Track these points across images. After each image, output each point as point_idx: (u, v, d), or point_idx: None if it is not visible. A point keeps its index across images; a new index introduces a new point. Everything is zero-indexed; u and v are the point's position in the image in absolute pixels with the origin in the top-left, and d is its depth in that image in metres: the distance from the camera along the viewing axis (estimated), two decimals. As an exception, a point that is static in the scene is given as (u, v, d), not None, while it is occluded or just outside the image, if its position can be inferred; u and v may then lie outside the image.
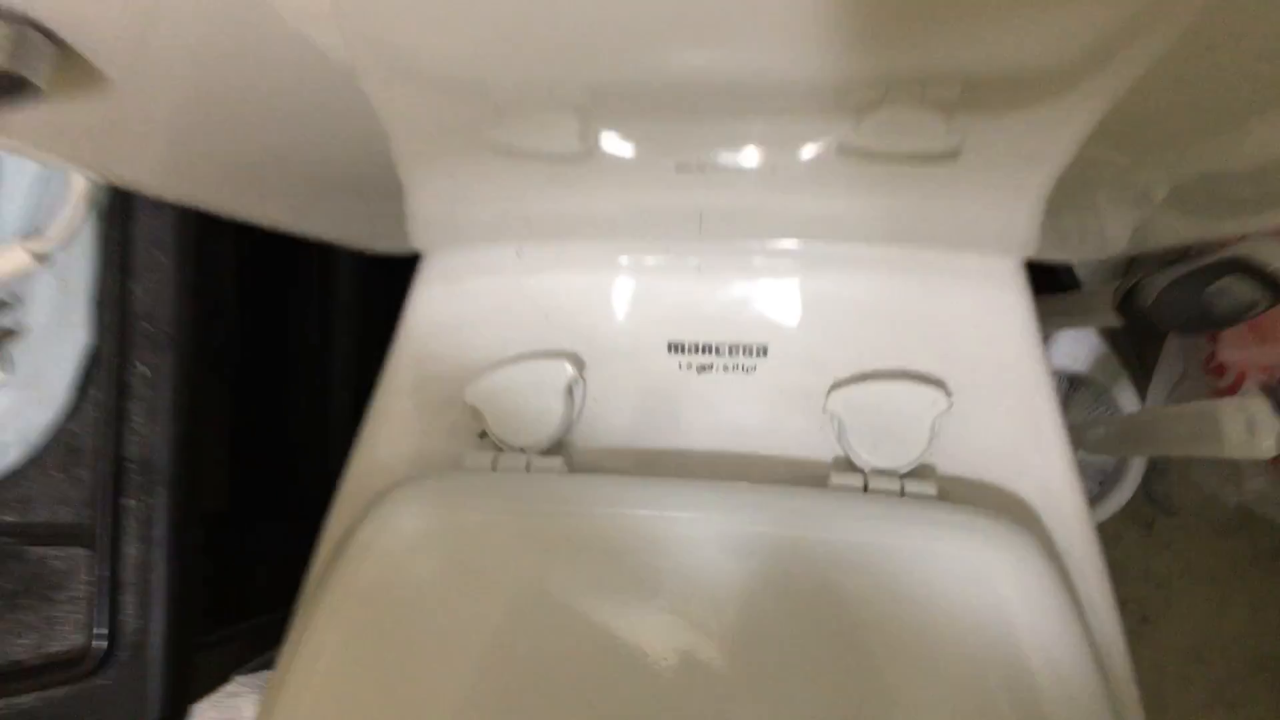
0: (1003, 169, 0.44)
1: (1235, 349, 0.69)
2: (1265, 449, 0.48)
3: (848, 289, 0.58)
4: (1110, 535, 0.98)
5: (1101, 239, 0.51)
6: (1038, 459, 0.55)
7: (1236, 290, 0.46)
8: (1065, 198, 0.47)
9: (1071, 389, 0.85)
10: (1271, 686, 0.97)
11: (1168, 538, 0.98)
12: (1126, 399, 0.83)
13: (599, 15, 0.30)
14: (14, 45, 0.28)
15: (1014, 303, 0.56)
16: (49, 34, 0.29)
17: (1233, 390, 0.70)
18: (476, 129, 0.40)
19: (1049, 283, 0.82)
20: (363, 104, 0.37)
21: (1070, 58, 0.31)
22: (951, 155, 0.42)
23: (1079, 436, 0.73)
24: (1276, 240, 0.44)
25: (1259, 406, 0.47)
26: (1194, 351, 0.75)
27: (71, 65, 0.30)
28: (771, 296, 0.59)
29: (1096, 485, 0.87)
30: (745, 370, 0.58)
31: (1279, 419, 0.46)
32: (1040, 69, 0.32)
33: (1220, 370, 0.71)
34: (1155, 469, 0.95)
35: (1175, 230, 0.47)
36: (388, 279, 0.73)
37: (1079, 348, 0.82)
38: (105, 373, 0.55)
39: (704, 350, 0.59)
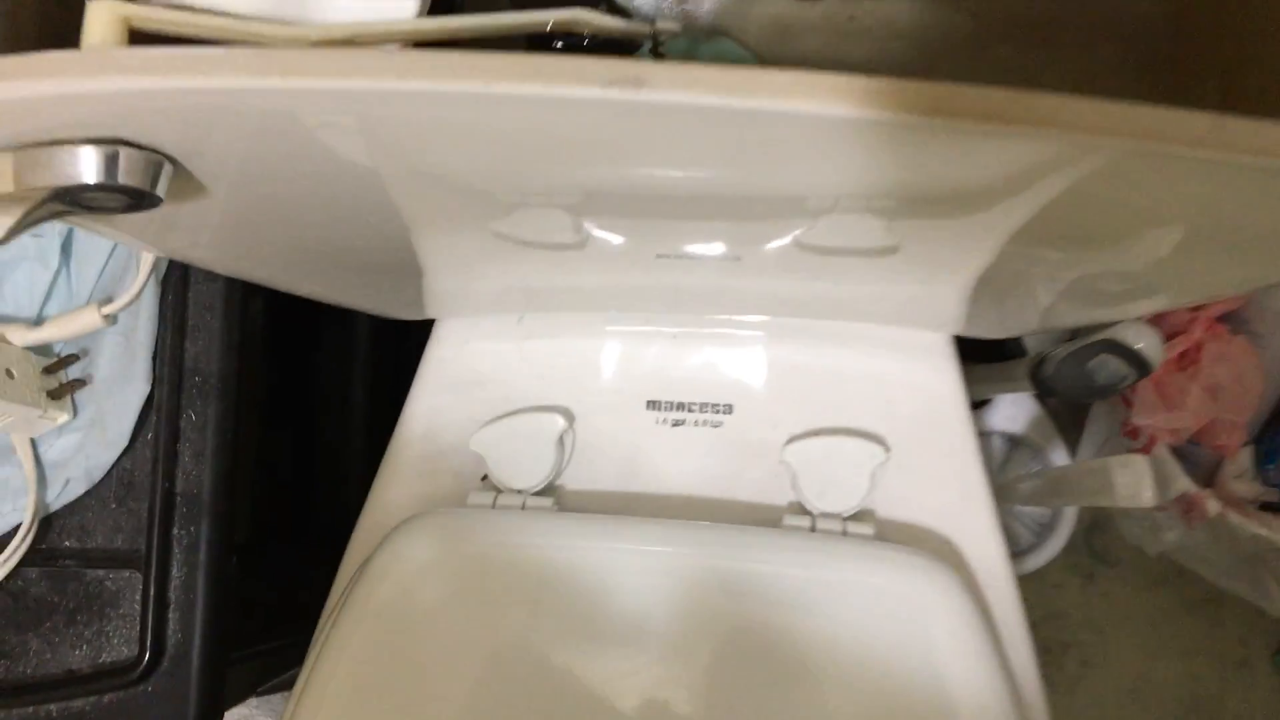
0: (935, 264, 0.53)
1: (1146, 415, 0.78)
2: (1146, 499, 0.56)
3: (803, 356, 0.68)
4: (1054, 584, 1.06)
5: (1015, 322, 0.61)
6: (964, 507, 0.64)
7: (1111, 366, 0.55)
8: (986, 287, 0.56)
9: (1011, 448, 0.94)
10: (1205, 728, 1.05)
11: (1106, 587, 1.07)
12: (1059, 458, 0.92)
13: (592, 155, 0.39)
14: (149, 167, 0.37)
15: (944, 371, 0.66)
16: (172, 158, 0.38)
17: (1144, 453, 0.80)
18: (485, 223, 0.49)
19: (1000, 350, 0.91)
20: (393, 207, 0.46)
21: (992, 189, 0.40)
22: (892, 250, 0.51)
23: (1013, 489, 0.82)
24: (1140, 325, 0.54)
25: (1140, 462, 0.56)
26: (1114, 416, 0.84)
27: (180, 178, 0.40)
28: (737, 362, 0.68)
29: (1034, 534, 0.96)
30: (713, 425, 0.67)
31: (1153, 473, 0.55)
32: (967, 193, 0.41)
33: (1135, 433, 0.80)
34: (1096, 524, 1.04)
35: (1069, 315, 0.56)
36: (400, 335, 0.82)
37: (1018, 410, 0.91)
38: (160, 418, 0.63)
39: (678, 408, 0.68)
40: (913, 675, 0.57)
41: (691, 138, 0.37)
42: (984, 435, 0.92)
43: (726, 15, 0.62)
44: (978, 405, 0.91)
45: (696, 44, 0.60)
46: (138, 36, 0.39)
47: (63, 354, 0.64)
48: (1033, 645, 0.62)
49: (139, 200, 0.38)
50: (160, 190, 0.38)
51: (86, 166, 0.36)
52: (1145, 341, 0.53)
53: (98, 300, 0.62)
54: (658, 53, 0.54)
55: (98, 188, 0.36)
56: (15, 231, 0.37)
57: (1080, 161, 0.34)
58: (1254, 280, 0.53)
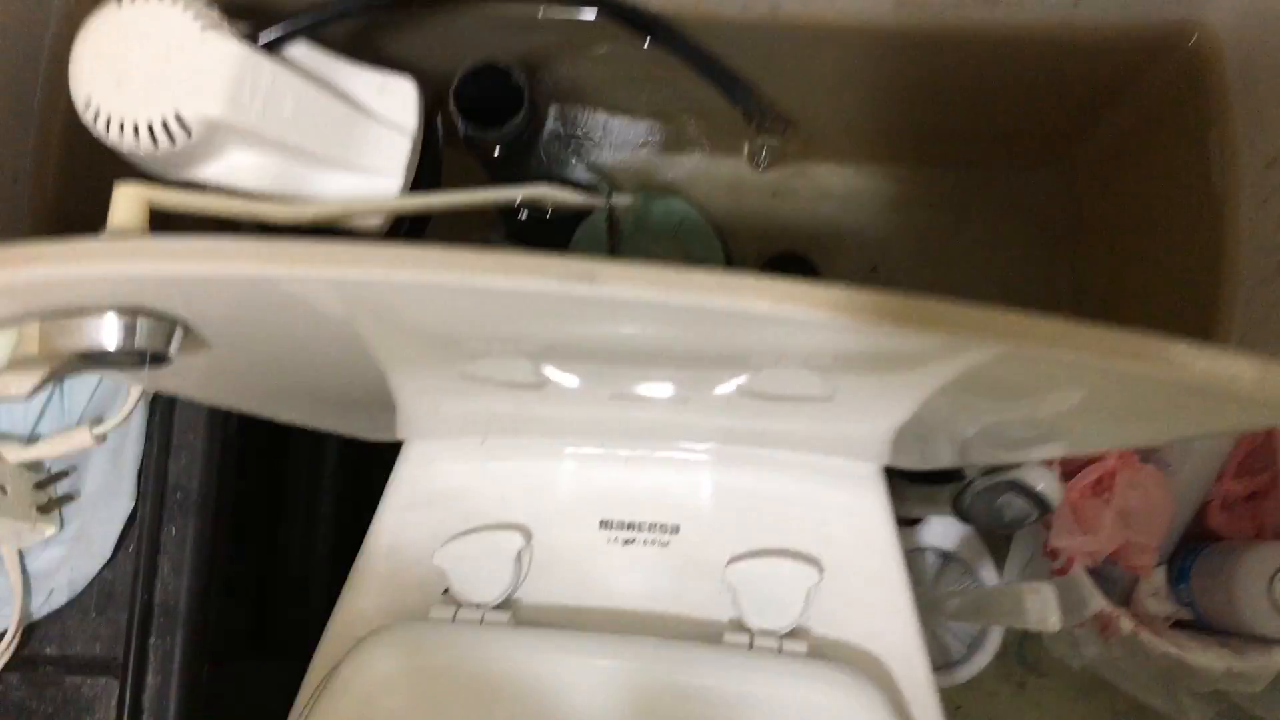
0: (864, 410, 0.59)
1: (1064, 538, 0.84)
2: (1052, 624, 0.62)
3: (745, 481, 0.73)
4: (988, 692, 1.11)
5: (936, 457, 0.67)
6: (891, 625, 0.69)
7: (1017, 504, 0.61)
8: (909, 429, 0.62)
9: (944, 563, 1.00)
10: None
11: (1038, 697, 1.11)
12: (988, 574, 0.98)
13: (553, 323, 0.45)
14: (164, 331, 0.43)
15: (874, 499, 0.71)
16: (185, 323, 0.43)
17: (1063, 572, 0.85)
18: (453, 367, 0.54)
19: (938, 473, 0.97)
20: (370, 356, 0.51)
21: (905, 364, 0.46)
22: (827, 398, 0.57)
23: (942, 605, 0.87)
24: (1041, 469, 0.60)
25: (1048, 590, 0.62)
26: (1037, 538, 0.90)
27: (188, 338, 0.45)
28: (684, 485, 0.73)
29: (965, 646, 1.01)
30: (661, 545, 0.72)
31: (1059, 600, 0.61)
32: (887, 363, 0.47)
33: (1054, 554, 0.86)
34: (1027, 634, 1.09)
35: (983, 455, 0.62)
36: (369, 450, 0.87)
37: (949, 530, 0.97)
38: (142, 532, 0.67)
39: (629, 527, 0.73)
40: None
41: (639, 315, 0.43)
42: (918, 551, 0.98)
43: (679, 173, 0.69)
44: (913, 522, 0.97)
45: (650, 200, 0.67)
46: (158, 214, 0.44)
47: (53, 470, 0.68)
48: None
49: (152, 360, 0.43)
50: (172, 352, 0.43)
51: (108, 334, 0.41)
52: (1045, 483, 0.59)
53: (89, 420, 0.67)
54: (612, 220, 0.61)
55: (117, 352, 0.41)
56: (38, 389, 0.42)
57: (966, 352, 0.41)
58: (1145, 440, 0.60)
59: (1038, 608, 0.63)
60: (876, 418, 0.60)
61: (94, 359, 0.42)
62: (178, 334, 0.43)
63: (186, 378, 0.52)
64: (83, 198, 0.53)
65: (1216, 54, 0.52)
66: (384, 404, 0.61)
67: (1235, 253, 0.50)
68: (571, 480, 0.74)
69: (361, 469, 0.89)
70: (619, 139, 0.67)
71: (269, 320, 0.45)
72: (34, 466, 0.68)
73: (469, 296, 0.41)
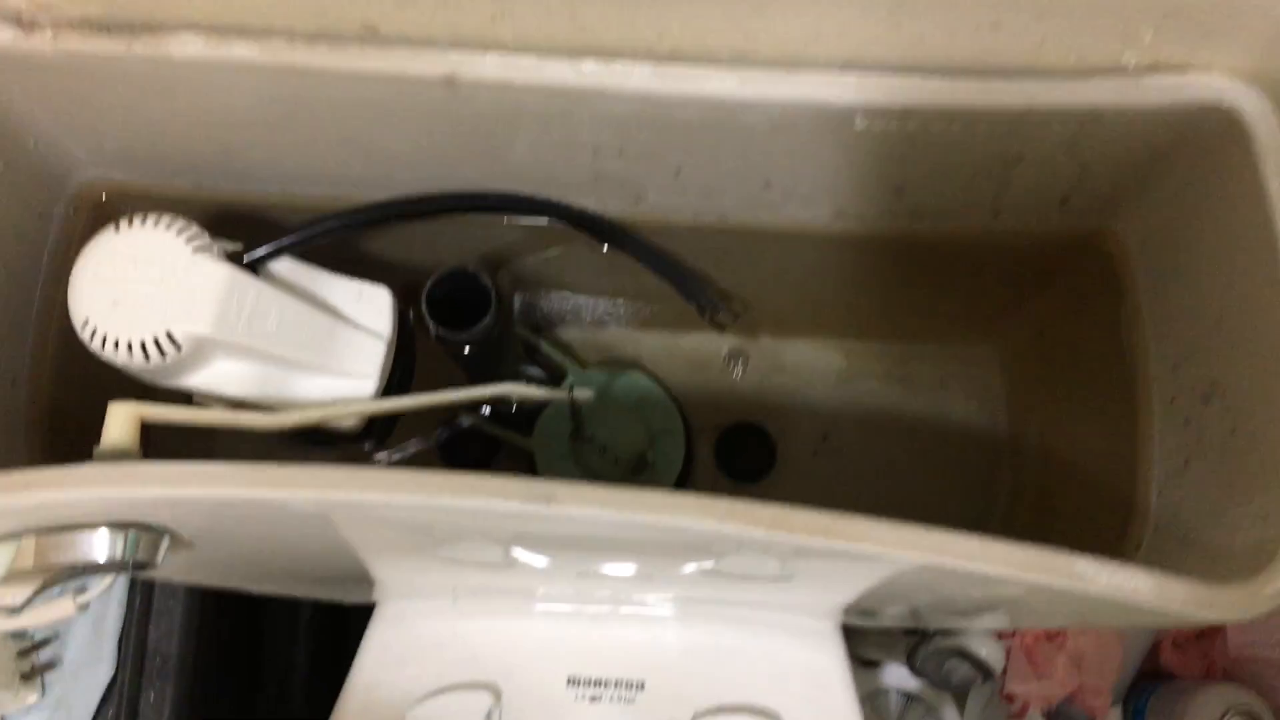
0: (822, 586, 0.62)
1: (1019, 683, 0.86)
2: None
3: (709, 638, 0.76)
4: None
5: (890, 620, 0.70)
6: (849, 776, 0.71)
7: (962, 669, 0.64)
8: (864, 598, 0.65)
9: (907, 704, 1.02)
10: None
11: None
12: (950, 716, 1.00)
13: (517, 526, 0.49)
14: (154, 542, 0.46)
15: (832, 654, 0.74)
16: (172, 533, 0.47)
17: (1020, 715, 0.88)
18: (424, 548, 0.58)
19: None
20: (347, 546, 0.54)
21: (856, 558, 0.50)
22: (787, 578, 0.60)
23: (904, 749, 0.89)
24: (985, 636, 0.64)
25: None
26: (993, 683, 0.92)
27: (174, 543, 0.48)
28: (650, 641, 0.76)
29: (929, 788, 1.03)
30: (626, 701, 0.75)
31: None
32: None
33: (1011, 699, 0.88)
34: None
35: (934, 620, 0.65)
36: (342, 609, 0.89)
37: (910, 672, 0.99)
38: (121, 699, 0.69)
39: (595, 684, 0.75)
40: None
41: (598, 526, 0.46)
42: (881, 692, 1.00)
43: (640, 348, 0.73)
44: (875, 662, 0.99)
45: (612, 375, 0.71)
46: (149, 428, 0.48)
47: (36, 638, 0.70)
48: None
49: (138, 567, 0.46)
50: (159, 559, 0.46)
51: (100, 548, 0.44)
52: (988, 650, 0.63)
53: (72, 589, 0.69)
54: (575, 411, 0.64)
55: (109, 564, 0.44)
56: (30, 600, 0.45)
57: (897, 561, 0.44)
58: (1080, 625, 0.63)
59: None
60: (833, 593, 0.64)
61: (86, 569, 0.45)
62: (165, 542, 0.46)
63: (167, 570, 0.55)
64: (78, 398, 0.56)
65: (1125, 259, 0.56)
66: (358, 578, 0.64)
67: (1149, 446, 0.54)
68: (540, 637, 0.76)
69: (336, 624, 0.91)
70: (582, 318, 0.71)
71: (251, 524, 0.48)
72: (18, 635, 0.70)
73: (439, 510, 0.45)
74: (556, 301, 0.70)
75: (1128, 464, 0.55)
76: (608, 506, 0.42)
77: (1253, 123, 0.45)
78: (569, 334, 0.73)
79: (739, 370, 0.73)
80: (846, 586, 0.58)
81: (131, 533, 0.45)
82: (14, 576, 0.45)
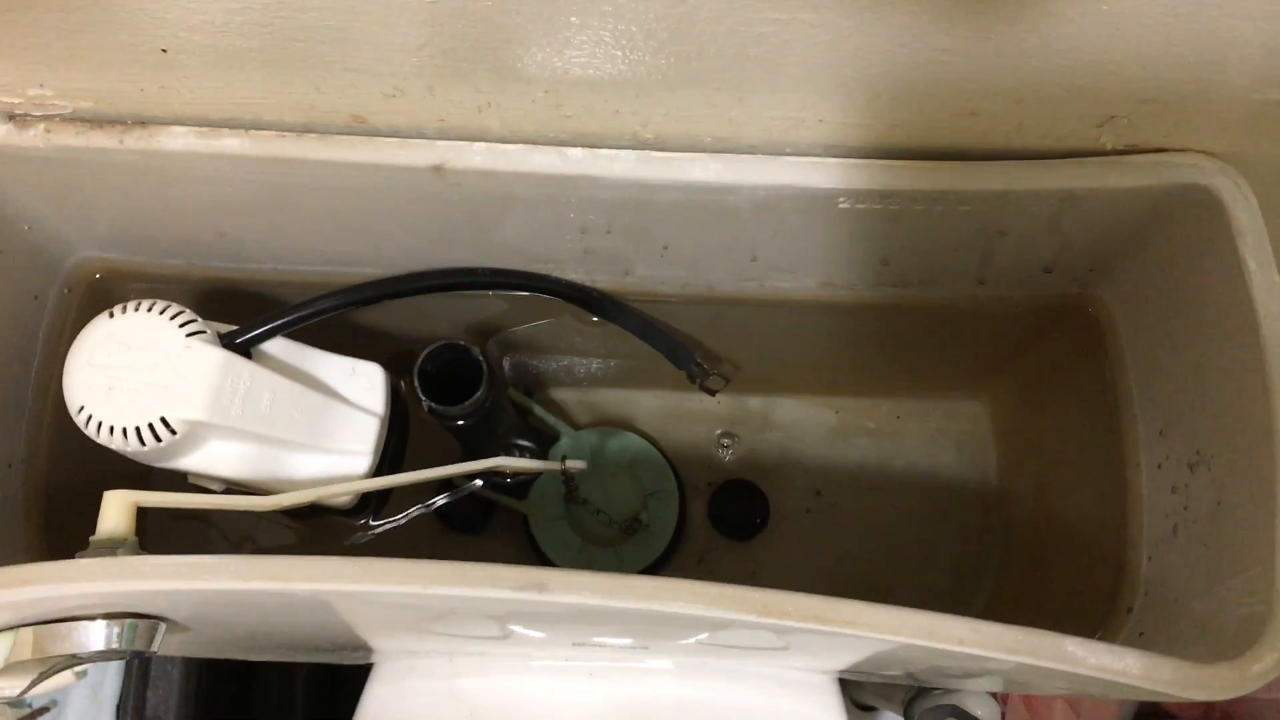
0: (817, 655, 0.63)
1: (1016, 728, 0.87)
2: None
3: (708, 693, 0.76)
4: None
5: (886, 674, 0.71)
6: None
7: (946, 725, 0.65)
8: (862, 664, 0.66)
9: (904, 748, 1.02)
10: None
11: None
12: (948, 760, 1.00)
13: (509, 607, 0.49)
14: (150, 630, 0.46)
15: (828, 705, 0.74)
16: (169, 619, 0.47)
17: (1019, 762, 0.88)
18: (421, 624, 0.58)
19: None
20: (343, 622, 0.55)
21: None
22: (784, 649, 0.61)
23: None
24: (982, 696, 0.64)
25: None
26: (992, 725, 0.93)
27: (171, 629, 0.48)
28: (647, 697, 0.76)
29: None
30: (624, 757, 0.75)
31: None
32: None
33: (1009, 744, 0.89)
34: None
35: (929, 679, 0.66)
36: (338, 669, 0.89)
37: None
38: (119, 766, 0.69)
39: (593, 742, 0.75)
40: None
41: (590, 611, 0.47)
42: (881, 735, 1.00)
43: (633, 408, 0.73)
44: (872, 708, 1.00)
45: (606, 436, 0.72)
46: (145, 512, 0.48)
47: (35, 706, 0.70)
48: None
49: (135, 655, 0.47)
50: (156, 646, 0.46)
51: (97, 638, 0.45)
52: (984, 710, 0.63)
53: (71, 659, 0.69)
54: (569, 482, 0.65)
55: (106, 653, 0.45)
56: (29, 689, 0.45)
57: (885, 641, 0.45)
58: (1073, 693, 0.64)
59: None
60: (829, 661, 0.64)
61: (83, 658, 0.46)
62: (161, 630, 0.47)
63: (165, 650, 0.55)
64: (75, 479, 0.57)
65: (1110, 324, 0.57)
66: (355, 646, 0.65)
67: (1138, 510, 0.54)
68: (538, 694, 0.76)
69: (333, 683, 0.92)
70: (574, 378, 0.72)
71: (248, 610, 0.49)
72: (15, 703, 0.70)
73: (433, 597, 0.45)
74: (548, 362, 0.71)
75: (1117, 525, 0.56)
76: (599, 594, 0.43)
77: (1230, 202, 0.46)
78: (561, 394, 0.74)
79: (730, 452, 0.73)
80: (842, 656, 0.58)
81: (128, 623, 0.45)
82: (13, 667, 0.45)
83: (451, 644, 0.66)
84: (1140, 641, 0.52)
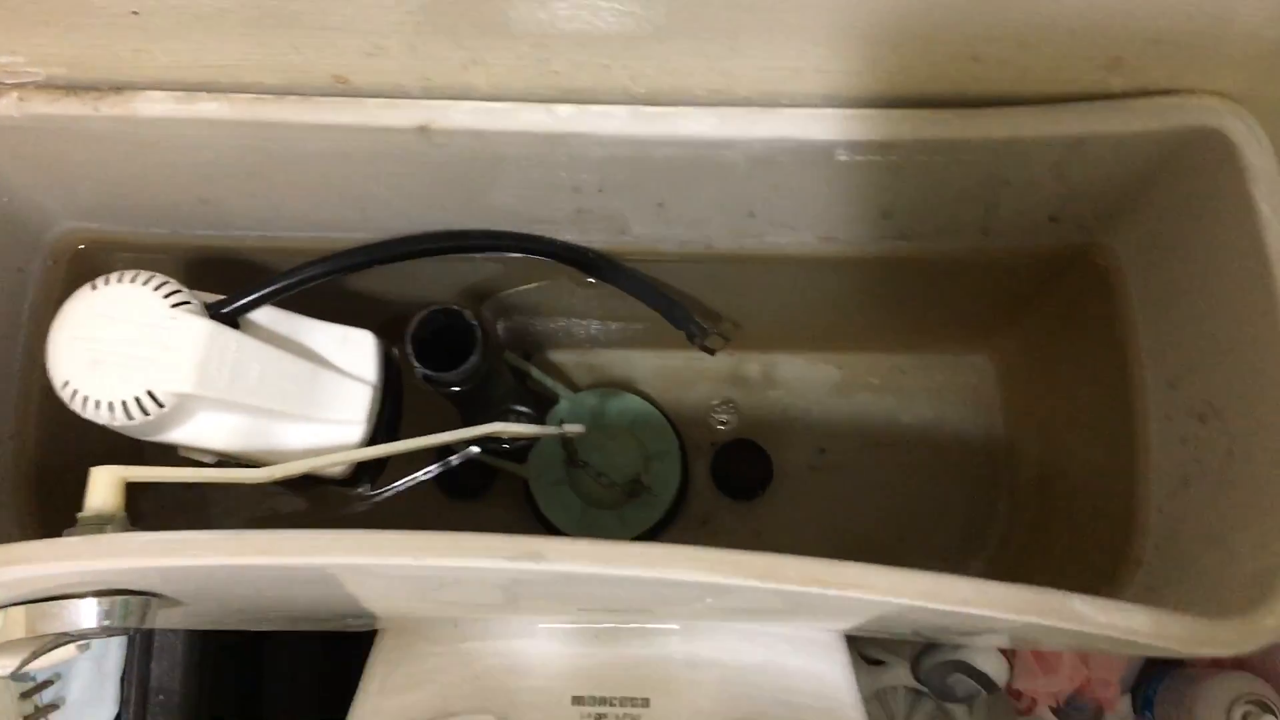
0: (824, 617, 0.62)
1: (1027, 680, 0.86)
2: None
3: (713, 653, 0.76)
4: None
5: (893, 632, 0.70)
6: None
7: (965, 682, 0.64)
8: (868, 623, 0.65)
9: (915, 700, 1.02)
10: None
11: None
12: (959, 713, 1.00)
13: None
14: (141, 606, 0.45)
15: (836, 662, 0.74)
16: (160, 595, 0.46)
17: (1029, 711, 0.88)
18: (425, 594, 0.57)
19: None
20: (339, 589, 0.54)
21: None
22: (790, 612, 0.60)
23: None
24: (989, 651, 0.63)
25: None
26: (1001, 692, 0.92)
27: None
28: (654, 657, 0.76)
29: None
30: (632, 719, 0.75)
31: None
32: None
33: (1018, 696, 0.88)
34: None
35: (937, 635, 0.65)
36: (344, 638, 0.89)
37: (917, 667, 1.00)
38: (125, 737, 0.69)
39: (600, 702, 0.75)
40: None
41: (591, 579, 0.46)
42: (889, 688, 1.00)
43: (632, 368, 0.72)
44: (881, 663, 0.99)
45: (606, 397, 0.71)
46: (134, 487, 0.47)
47: (39, 679, 0.70)
48: None
49: (127, 630, 0.46)
50: (148, 622, 0.46)
51: (89, 616, 0.44)
52: (992, 665, 0.63)
53: (73, 632, 0.69)
54: (569, 447, 0.64)
55: (99, 630, 0.44)
56: (22, 667, 0.45)
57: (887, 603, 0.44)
58: (1081, 649, 0.63)
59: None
60: (835, 622, 0.64)
61: (75, 636, 0.45)
62: (154, 606, 0.46)
63: (161, 622, 0.55)
64: (65, 453, 0.56)
65: (1118, 273, 0.56)
66: (358, 613, 0.64)
67: (1147, 462, 0.53)
68: (544, 657, 0.76)
69: (339, 651, 0.91)
70: (573, 340, 0.71)
71: (242, 585, 0.48)
72: (19, 676, 0.70)
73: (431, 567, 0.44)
74: (545, 325, 0.70)
75: (1126, 479, 0.55)
76: (596, 562, 0.42)
77: (1242, 145, 0.44)
78: (560, 356, 0.73)
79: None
80: (848, 617, 0.58)
81: (120, 599, 0.44)
82: (5, 646, 0.45)
83: (456, 608, 0.66)
84: (1149, 596, 0.51)
